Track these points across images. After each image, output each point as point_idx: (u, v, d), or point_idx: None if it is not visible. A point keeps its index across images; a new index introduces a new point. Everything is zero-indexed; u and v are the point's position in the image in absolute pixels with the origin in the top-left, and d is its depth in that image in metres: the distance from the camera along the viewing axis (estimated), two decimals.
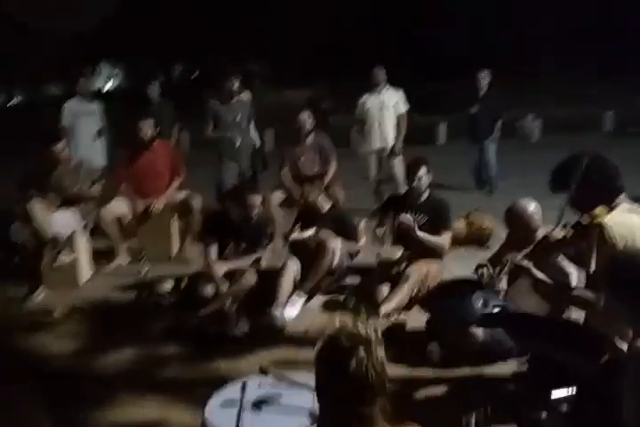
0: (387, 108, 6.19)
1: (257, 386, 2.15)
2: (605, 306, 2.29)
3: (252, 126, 5.94)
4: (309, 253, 4.08)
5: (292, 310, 3.87)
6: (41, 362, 3.47)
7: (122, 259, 5.07)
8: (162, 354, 3.50)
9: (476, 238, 4.95)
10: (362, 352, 1.40)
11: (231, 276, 4.02)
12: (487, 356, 3.06)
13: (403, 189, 6.21)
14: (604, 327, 2.39)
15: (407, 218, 3.90)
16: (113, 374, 3.27)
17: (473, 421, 2.37)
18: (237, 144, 5.60)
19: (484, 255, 4.53)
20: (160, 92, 6.65)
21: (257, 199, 4.08)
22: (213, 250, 4.12)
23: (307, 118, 5.36)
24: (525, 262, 2.47)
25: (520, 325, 2.77)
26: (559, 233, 2.45)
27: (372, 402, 1.41)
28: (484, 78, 7.07)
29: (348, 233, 4.24)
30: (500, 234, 5.08)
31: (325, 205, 4.27)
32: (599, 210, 2.36)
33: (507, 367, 3.08)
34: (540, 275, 2.48)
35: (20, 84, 25.48)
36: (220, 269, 4.02)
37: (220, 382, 3.13)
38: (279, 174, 5.42)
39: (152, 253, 5.08)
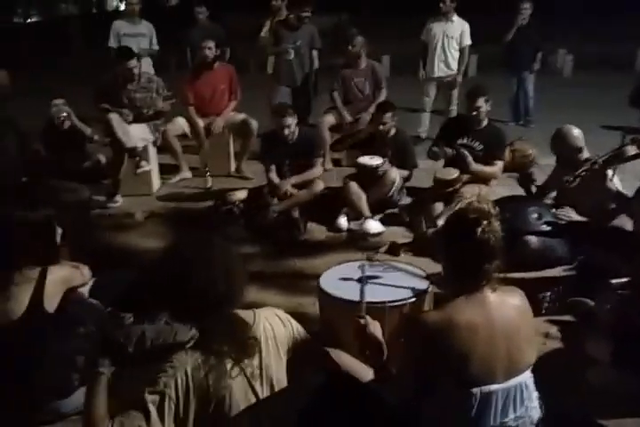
0: (451, 37, 6.29)
1: (359, 268, 2.55)
2: None
3: (314, 54, 6.12)
4: (370, 178, 4.36)
5: (374, 226, 4.22)
6: (134, 257, 3.91)
7: (185, 173, 5.45)
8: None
9: (519, 166, 5.25)
10: (485, 221, 1.78)
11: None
12: (539, 262, 3.45)
13: None
14: None
15: (465, 154, 4.22)
16: None
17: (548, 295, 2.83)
18: (291, 61, 5.86)
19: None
20: (208, 15, 6.79)
21: (287, 121, 4.32)
22: (273, 170, 4.49)
23: (360, 41, 5.56)
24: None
25: (576, 232, 3.16)
26: (631, 149, 2.76)
27: (492, 261, 1.80)
28: (527, 9, 7.08)
29: (408, 160, 4.55)
30: (540, 162, 5.44)
31: (393, 130, 4.54)
32: None
33: (554, 272, 3.50)
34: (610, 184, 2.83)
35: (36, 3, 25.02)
36: (285, 186, 4.42)
37: (299, 275, 3.64)
38: (330, 99, 5.69)
39: (212, 170, 5.45)
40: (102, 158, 5.07)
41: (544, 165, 5.37)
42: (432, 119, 6.66)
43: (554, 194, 3.88)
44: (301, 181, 4.47)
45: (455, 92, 6.45)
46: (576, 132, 3.58)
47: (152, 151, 5.12)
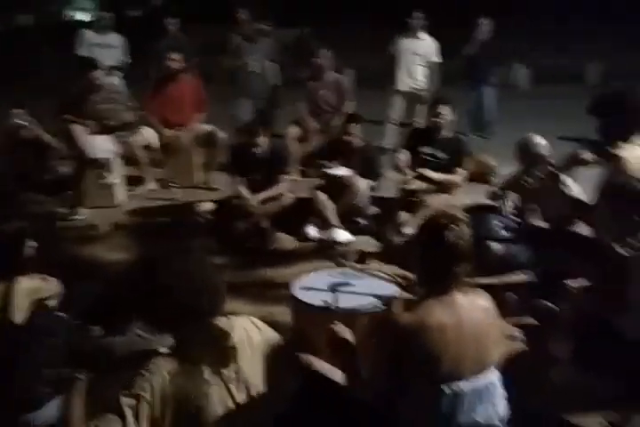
0: (414, 54, 6.41)
1: (331, 276, 2.59)
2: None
3: (275, 67, 6.18)
4: (337, 188, 4.43)
5: (342, 235, 4.30)
6: (100, 269, 3.85)
7: (150, 185, 5.41)
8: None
9: (480, 176, 5.41)
10: (455, 227, 1.86)
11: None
12: (501, 267, 3.56)
13: None
14: (603, 235, 2.89)
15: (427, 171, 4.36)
16: None
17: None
18: (252, 74, 5.93)
19: (488, 189, 5.05)
20: (179, 27, 6.80)
21: (257, 142, 4.36)
22: (241, 183, 4.48)
23: (325, 54, 5.65)
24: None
25: (537, 237, 3.28)
26: (588, 155, 2.89)
27: (461, 264, 1.86)
28: (486, 24, 7.28)
29: (374, 170, 4.63)
30: (501, 172, 5.60)
31: (360, 141, 4.62)
32: (622, 143, 2.80)
33: (516, 277, 3.61)
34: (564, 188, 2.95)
35: None
36: (254, 201, 4.42)
37: (269, 284, 3.66)
38: (294, 110, 5.76)
39: (178, 181, 5.43)
40: (65, 170, 4.99)
41: (504, 176, 5.56)
42: (397, 131, 6.79)
43: (514, 196, 3.99)
44: (270, 195, 4.50)
45: (421, 107, 6.58)
46: (538, 140, 3.71)
47: (116, 163, 5.06)
